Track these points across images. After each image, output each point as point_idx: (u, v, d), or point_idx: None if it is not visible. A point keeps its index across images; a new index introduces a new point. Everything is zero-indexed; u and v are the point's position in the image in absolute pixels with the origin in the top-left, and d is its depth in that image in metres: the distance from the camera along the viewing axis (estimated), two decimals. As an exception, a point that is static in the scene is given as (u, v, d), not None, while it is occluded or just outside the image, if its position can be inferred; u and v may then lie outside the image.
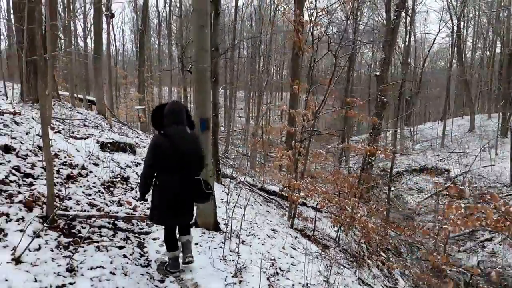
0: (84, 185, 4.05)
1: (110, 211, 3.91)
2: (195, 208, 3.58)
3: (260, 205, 7.51)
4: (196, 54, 3.74)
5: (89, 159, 4.77)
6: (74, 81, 14.28)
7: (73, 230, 3.07)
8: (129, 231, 3.69)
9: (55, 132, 5.10)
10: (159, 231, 3.82)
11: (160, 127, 2.78)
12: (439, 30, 44.05)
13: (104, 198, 4.06)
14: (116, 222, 3.69)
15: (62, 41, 17.19)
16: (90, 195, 3.95)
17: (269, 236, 4.75)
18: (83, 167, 4.39)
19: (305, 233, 6.93)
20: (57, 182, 3.70)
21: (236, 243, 3.90)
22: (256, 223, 5.20)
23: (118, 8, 52.09)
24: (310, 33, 7.45)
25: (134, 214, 4.17)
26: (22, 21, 7.51)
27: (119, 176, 4.88)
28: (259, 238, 4.43)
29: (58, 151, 4.42)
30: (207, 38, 3.81)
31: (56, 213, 2.96)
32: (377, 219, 9.01)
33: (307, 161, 6.97)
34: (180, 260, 3.04)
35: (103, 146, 5.73)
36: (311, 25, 6.79)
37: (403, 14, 15.99)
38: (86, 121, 8.98)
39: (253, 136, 20.44)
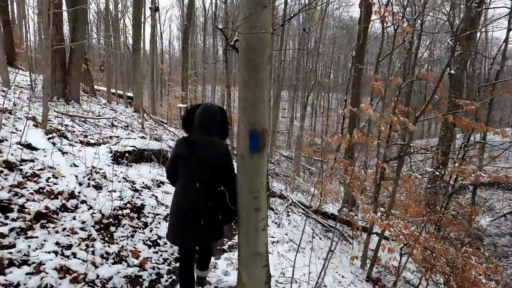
0: (63, 229, 2.54)
1: (98, 276, 2.36)
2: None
3: (320, 238, 5.68)
4: (248, 11, 2.00)
5: (88, 179, 3.29)
6: (112, 76, 13.50)
7: None
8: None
9: (49, 138, 3.70)
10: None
11: (188, 130, 2.44)
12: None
13: (93, 251, 2.51)
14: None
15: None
16: (69, 247, 2.43)
17: (351, 319, 2.94)
18: (72, 195, 2.90)
19: (384, 285, 5.03)
20: (11, 229, 2.23)
21: None
22: (325, 286, 3.42)
23: (166, 6, 52.98)
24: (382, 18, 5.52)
25: (140, 278, 2.60)
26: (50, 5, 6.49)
27: (128, 205, 3.35)
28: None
29: (41, 169, 2.97)
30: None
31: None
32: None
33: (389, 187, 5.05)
34: None
35: (117, 157, 4.28)
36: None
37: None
38: (115, 120, 7.80)
39: (298, 139, 18.91)
